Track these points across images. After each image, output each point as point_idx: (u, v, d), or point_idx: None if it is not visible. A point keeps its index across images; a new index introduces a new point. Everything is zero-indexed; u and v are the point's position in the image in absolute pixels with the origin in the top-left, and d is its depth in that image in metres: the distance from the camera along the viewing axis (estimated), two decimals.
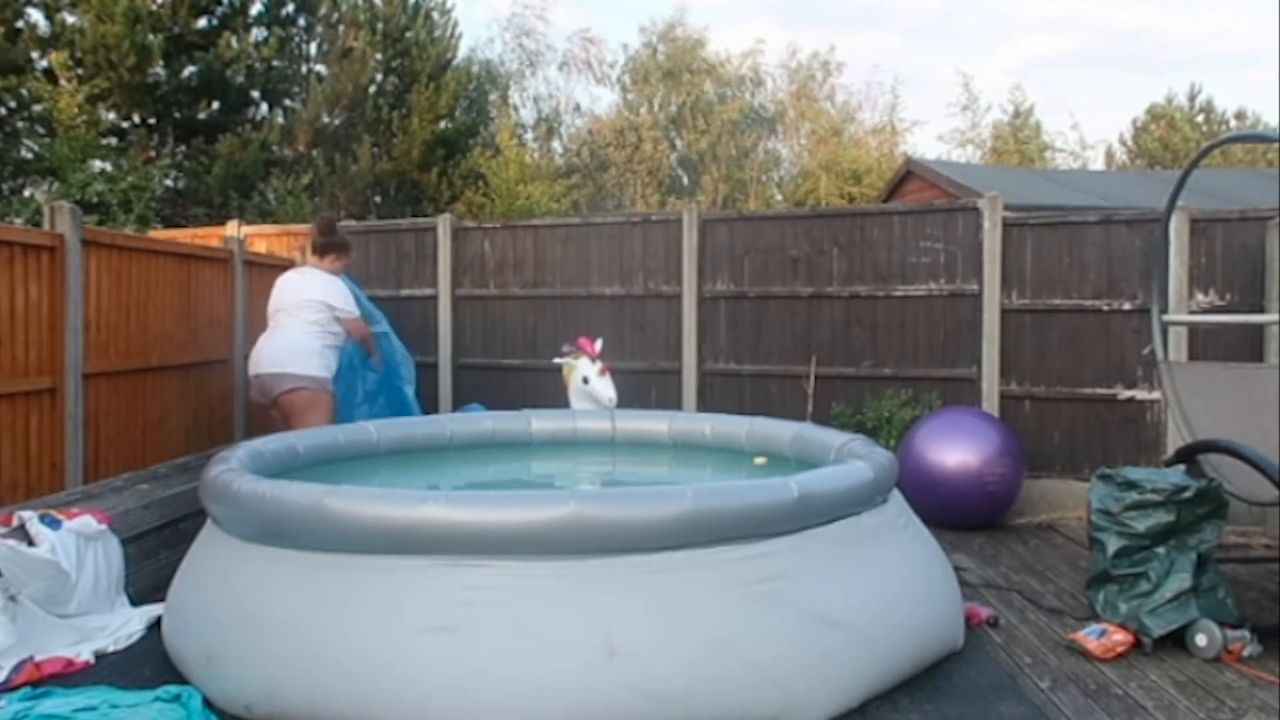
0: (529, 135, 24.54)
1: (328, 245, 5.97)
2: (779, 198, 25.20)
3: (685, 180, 25.11)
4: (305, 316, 5.62)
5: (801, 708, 3.02)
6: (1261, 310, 6.11)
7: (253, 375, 5.64)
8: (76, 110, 11.62)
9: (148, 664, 3.52)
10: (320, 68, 16.66)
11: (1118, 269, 6.48)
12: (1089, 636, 3.87)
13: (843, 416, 6.81)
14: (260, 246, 8.19)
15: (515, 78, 25.10)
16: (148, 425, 5.92)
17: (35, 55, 12.91)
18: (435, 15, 17.53)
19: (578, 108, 26.06)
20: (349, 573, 3.10)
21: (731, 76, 25.86)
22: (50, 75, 12.40)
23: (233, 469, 3.66)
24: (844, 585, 3.27)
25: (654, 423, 5.57)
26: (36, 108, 12.60)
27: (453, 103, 16.72)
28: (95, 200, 9.88)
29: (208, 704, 3.07)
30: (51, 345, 5.02)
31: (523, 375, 7.60)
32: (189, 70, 13.69)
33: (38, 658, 3.40)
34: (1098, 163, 26.89)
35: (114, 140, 13.27)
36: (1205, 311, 6.30)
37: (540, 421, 5.57)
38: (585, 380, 5.99)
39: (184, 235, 8.88)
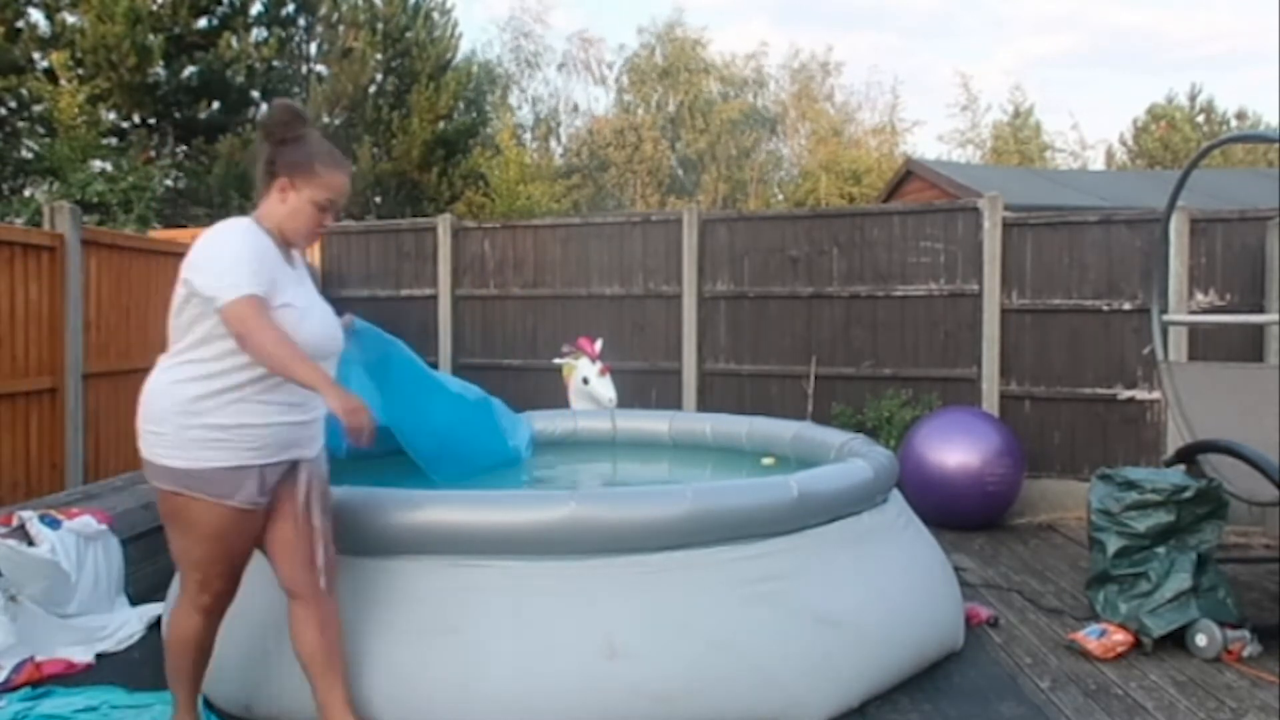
0: (528, 136, 24.55)
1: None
2: (779, 198, 25.21)
3: (685, 180, 25.12)
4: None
5: (801, 707, 3.02)
6: (1261, 310, 6.11)
7: None
8: (77, 110, 11.62)
9: (148, 664, 3.52)
10: (320, 68, 16.67)
11: (1118, 269, 6.47)
12: (1089, 636, 3.87)
13: (843, 416, 6.81)
14: None
15: (514, 79, 25.13)
16: None
17: (36, 55, 12.92)
18: (435, 15, 17.54)
19: (575, 108, 26.09)
20: (349, 573, 3.09)
21: (734, 77, 25.89)
22: (51, 75, 12.40)
23: None
24: (844, 585, 3.27)
25: (654, 423, 5.57)
26: (37, 108, 12.60)
27: (453, 103, 16.72)
28: (95, 200, 9.88)
29: (208, 704, 3.07)
30: (51, 345, 5.02)
31: (522, 375, 7.60)
32: (189, 70, 13.69)
33: (38, 658, 3.40)
34: (1098, 163, 26.91)
35: (114, 140, 13.27)
36: (1205, 311, 6.30)
37: (540, 422, 5.57)
38: (585, 380, 5.98)
39: (184, 235, 8.87)
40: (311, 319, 2.65)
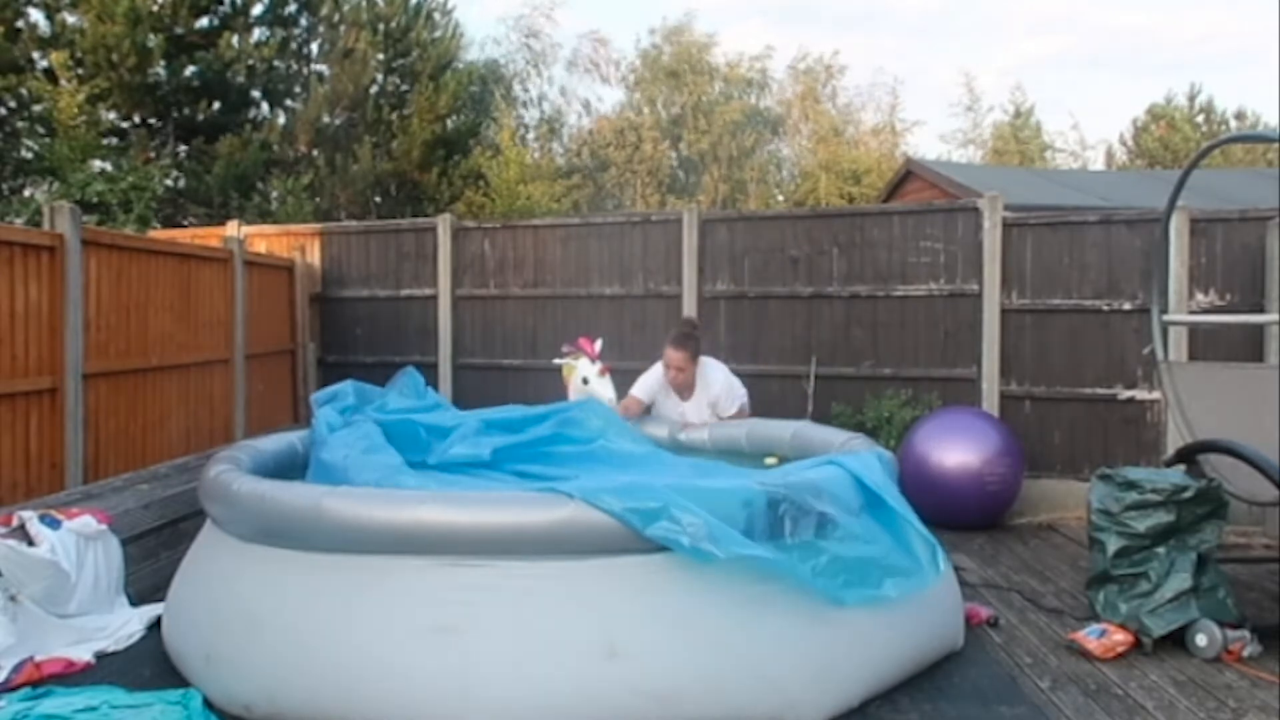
0: (530, 135, 24.51)
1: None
2: (780, 198, 25.19)
3: (685, 180, 25.10)
4: None
5: (801, 707, 3.02)
6: (1261, 310, 6.11)
7: None
8: (76, 110, 11.61)
9: (148, 664, 3.52)
10: (321, 68, 16.64)
11: (1118, 269, 6.47)
12: (1089, 636, 3.87)
13: (843, 416, 6.81)
14: (260, 246, 8.19)
15: (520, 78, 25.07)
16: (148, 425, 5.92)
17: (35, 55, 12.90)
18: (436, 15, 17.53)
19: (587, 105, 26.05)
20: (349, 573, 3.10)
21: (740, 78, 25.86)
22: (50, 75, 12.39)
23: (232, 469, 3.66)
24: None
25: (654, 423, 5.57)
26: (37, 108, 12.58)
27: (453, 103, 16.71)
28: (95, 200, 9.87)
29: (208, 704, 3.07)
30: (51, 345, 5.02)
31: (523, 375, 7.60)
32: (189, 70, 13.67)
33: (38, 658, 3.40)
34: (1098, 163, 26.89)
35: (114, 140, 13.25)
36: (1205, 311, 6.30)
37: None
38: (585, 381, 5.97)
39: (184, 235, 8.88)
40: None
